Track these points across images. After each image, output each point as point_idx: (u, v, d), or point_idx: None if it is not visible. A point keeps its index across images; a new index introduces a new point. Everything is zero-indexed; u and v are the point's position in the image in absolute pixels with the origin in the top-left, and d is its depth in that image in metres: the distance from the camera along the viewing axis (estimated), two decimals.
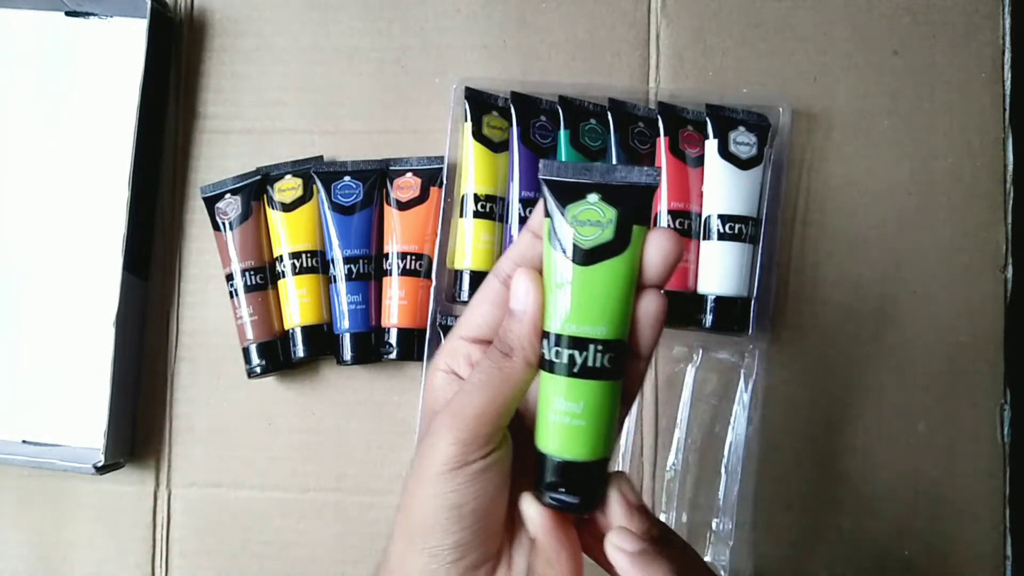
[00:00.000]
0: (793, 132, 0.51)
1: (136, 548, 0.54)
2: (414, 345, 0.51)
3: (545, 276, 0.29)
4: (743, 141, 0.49)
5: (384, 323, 0.52)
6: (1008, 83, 0.51)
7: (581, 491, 0.29)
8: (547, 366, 0.29)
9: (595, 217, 0.28)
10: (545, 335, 0.29)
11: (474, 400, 0.29)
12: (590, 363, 0.28)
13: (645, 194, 0.29)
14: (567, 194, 0.29)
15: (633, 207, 0.28)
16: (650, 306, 0.29)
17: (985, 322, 0.50)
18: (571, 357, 0.28)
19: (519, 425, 0.31)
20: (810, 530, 0.50)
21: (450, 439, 0.29)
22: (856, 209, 0.51)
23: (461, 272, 0.50)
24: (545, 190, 0.29)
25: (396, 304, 0.51)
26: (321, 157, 0.54)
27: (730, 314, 0.48)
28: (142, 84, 0.51)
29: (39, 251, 0.55)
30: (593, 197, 0.29)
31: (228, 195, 0.53)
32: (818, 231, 0.51)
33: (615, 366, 0.29)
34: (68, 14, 0.56)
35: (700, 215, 0.49)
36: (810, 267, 0.51)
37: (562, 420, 0.29)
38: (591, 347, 0.28)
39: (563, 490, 0.29)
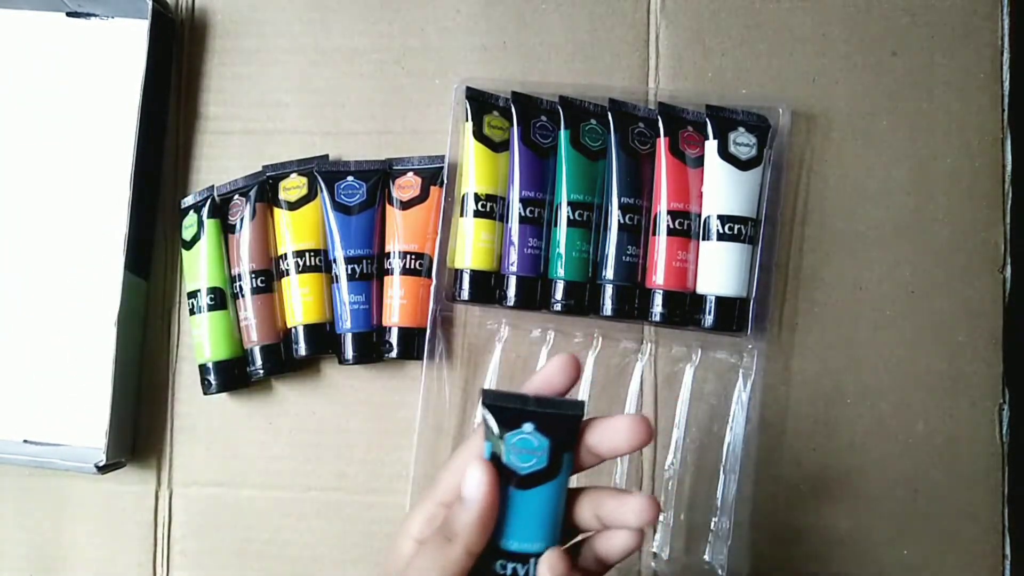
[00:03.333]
0: (792, 133, 0.51)
1: (137, 547, 0.54)
2: (415, 344, 0.51)
3: None
4: (743, 142, 0.49)
5: (385, 322, 0.52)
6: (1007, 83, 0.51)
7: None
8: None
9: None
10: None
11: None
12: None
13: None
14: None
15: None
16: (625, 544, 0.32)
17: (983, 322, 0.50)
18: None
19: None
20: (809, 530, 0.51)
21: None
22: (855, 209, 0.51)
23: (461, 271, 0.50)
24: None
25: (397, 303, 0.51)
26: (327, 156, 0.54)
27: (729, 314, 0.49)
28: (143, 85, 0.51)
29: (40, 251, 0.56)
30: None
31: (237, 196, 0.53)
32: (817, 232, 0.52)
33: None
34: (69, 15, 0.56)
35: (699, 215, 0.49)
36: (809, 267, 0.51)
37: None
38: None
39: None
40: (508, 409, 0.32)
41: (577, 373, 0.34)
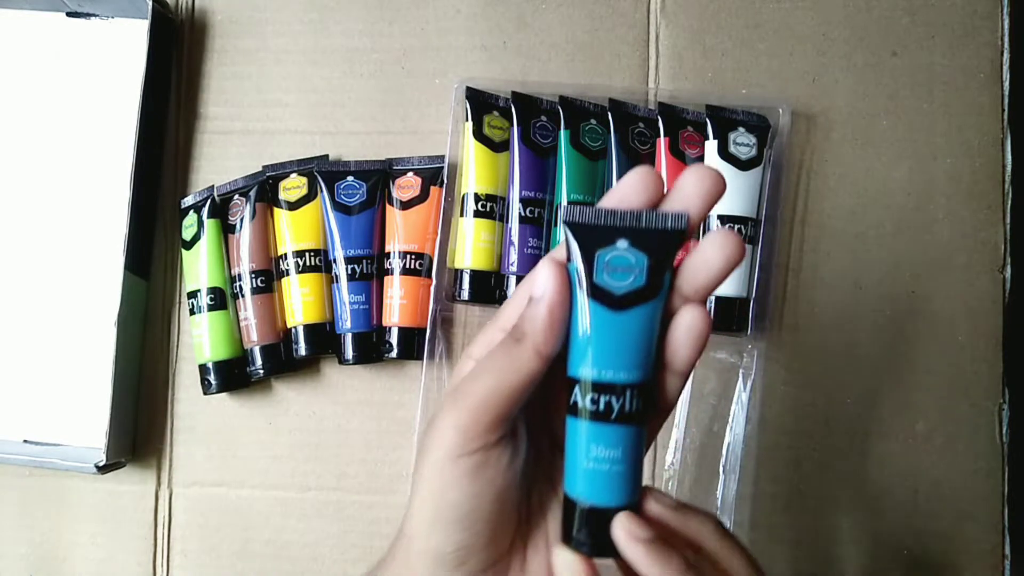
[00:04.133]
0: (792, 133, 0.51)
1: (137, 547, 0.54)
2: (414, 344, 0.51)
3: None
4: (743, 142, 0.49)
5: (385, 322, 0.52)
6: (1007, 83, 0.51)
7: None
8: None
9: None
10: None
11: (476, 386, 0.28)
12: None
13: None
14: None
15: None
16: (696, 321, 0.28)
17: (983, 322, 0.50)
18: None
19: (544, 428, 0.31)
20: (809, 530, 0.51)
21: (448, 424, 0.28)
22: (855, 209, 0.51)
23: (461, 271, 0.50)
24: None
25: (397, 303, 0.51)
26: (327, 156, 0.54)
27: (729, 314, 0.49)
28: (143, 85, 0.51)
29: (41, 251, 0.56)
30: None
31: (237, 196, 0.53)
32: (817, 231, 0.52)
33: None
34: (69, 15, 0.56)
35: None
36: (809, 267, 0.51)
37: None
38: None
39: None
40: (597, 225, 0.28)
41: (661, 188, 0.29)
